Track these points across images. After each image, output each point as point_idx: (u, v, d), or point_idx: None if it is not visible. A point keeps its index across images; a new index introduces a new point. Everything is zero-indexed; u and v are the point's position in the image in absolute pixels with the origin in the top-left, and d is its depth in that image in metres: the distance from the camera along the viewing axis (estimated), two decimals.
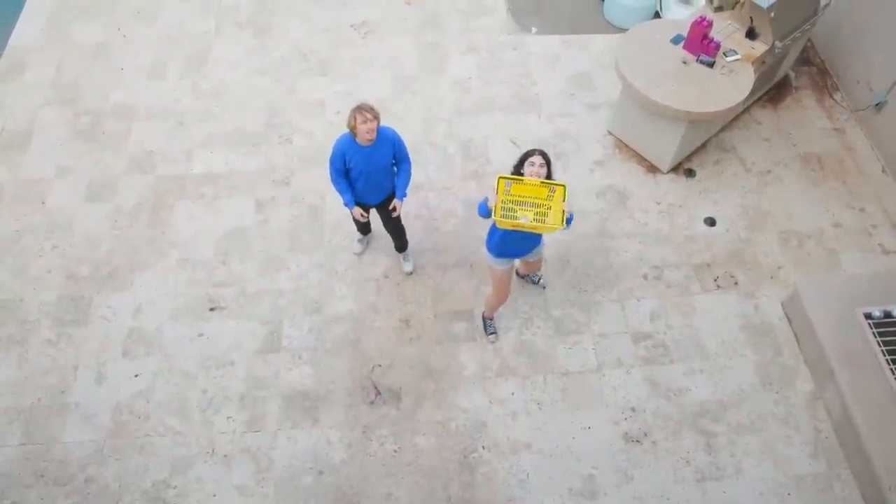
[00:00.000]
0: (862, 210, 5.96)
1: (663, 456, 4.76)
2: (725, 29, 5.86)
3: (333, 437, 4.79)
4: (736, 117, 6.47)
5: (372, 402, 4.93)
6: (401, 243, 5.39)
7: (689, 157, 6.24)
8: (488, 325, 5.20)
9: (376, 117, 4.30)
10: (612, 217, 5.87)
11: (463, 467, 4.70)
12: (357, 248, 5.58)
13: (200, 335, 5.19)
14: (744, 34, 5.85)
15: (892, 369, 4.68)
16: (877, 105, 6.22)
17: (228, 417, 4.85)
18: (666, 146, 5.92)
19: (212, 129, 6.34)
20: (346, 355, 5.12)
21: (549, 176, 4.14)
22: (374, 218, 5.19)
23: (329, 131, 6.33)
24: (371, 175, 4.62)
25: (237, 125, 6.38)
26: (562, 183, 4.02)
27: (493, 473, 4.67)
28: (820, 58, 7.04)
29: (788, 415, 4.94)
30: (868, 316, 4.91)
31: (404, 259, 5.51)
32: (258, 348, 5.14)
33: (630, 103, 5.93)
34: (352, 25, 7.21)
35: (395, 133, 4.60)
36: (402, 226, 5.23)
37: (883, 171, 6.20)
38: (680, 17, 6.90)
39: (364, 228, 5.42)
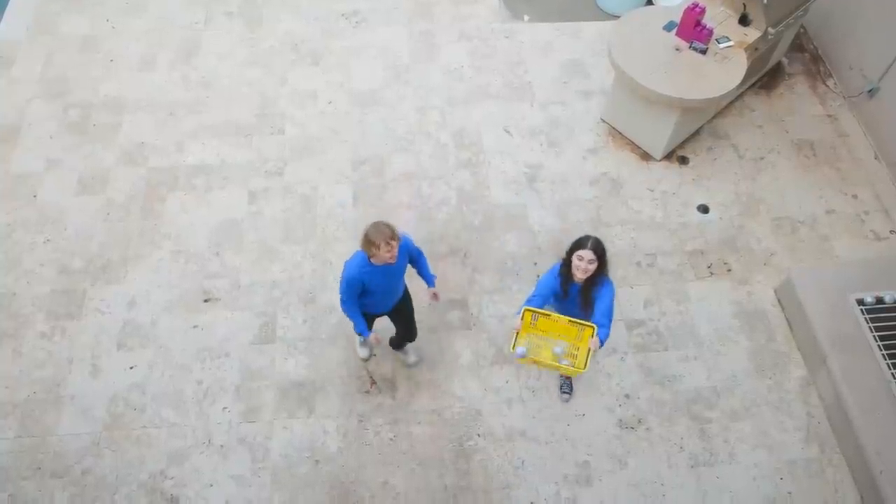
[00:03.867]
0: (855, 196, 5.98)
1: (657, 442, 4.79)
2: (718, 15, 5.85)
3: (329, 427, 4.80)
4: (729, 104, 6.47)
5: (367, 392, 4.94)
6: (410, 335, 4.86)
7: (682, 145, 6.24)
8: (564, 383, 4.95)
9: (398, 238, 3.87)
10: (605, 205, 5.88)
11: (458, 455, 4.72)
12: (364, 353, 5.05)
13: (195, 327, 5.19)
14: (736, 21, 5.83)
15: (884, 355, 4.71)
16: (869, 91, 6.23)
17: (224, 408, 4.86)
18: (659, 133, 5.92)
19: (203, 121, 6.30)
20: (340, 345, 5.12)
21: (601, 269, 3.80)
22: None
23: (321, 121, 6.31)
24: (389, 289, 4.23)
25: (228, 116, 6.34)
26: (591, 325, 3.82)
27: (488, 461, 4.69)
28: (813, 44, 7.03)
29: (781, 400, 4.97)
30: (860, 302, 4.94)
31: (405, 353, 5.01)
32: (253, 339, 5.14)
33: (623, 91, 5.92)
34: (343, 15, 7.17)
35: (406, 239, 4.11)
36: (413, 318, 4.77)
37: (876, 157, 6.21)
38: (672, 3, 6.85)
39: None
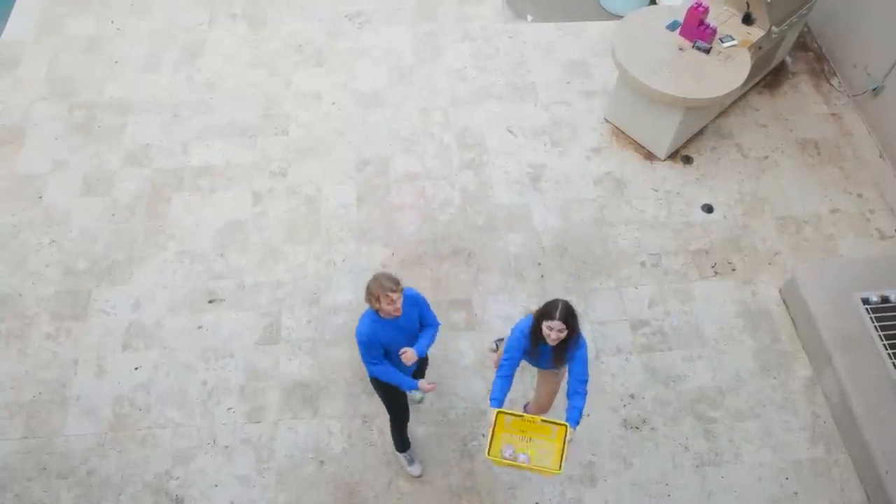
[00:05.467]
0: (859, 195, 5.96)
1: (662, 442, 4.79)
2: (721, 15, 5.84)
3: (334, 427, 4.81)
4: (733, 103, 6.46)
5: (372, 392, 4.94)
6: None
7: (686, 144, 6.23)
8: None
9: (400, 288, 3.66)
10: (609, 204, 5.87)
11: (463, 455, 4.72)
12: (416, 470, 4.65)
13: (200, 328, 5.20)
14: (740, 20, 5.82)
15: (889, 354, 4.70)
16: (874, 90, 6.21)
17: (229, 409, 4.87)
18: (663, 133, 5.92)
19: (208, 122, 6.32)
20: (345, 346, 5.13)
21: (570, 335, 3.67)
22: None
23: (325, 122, 6.32)
24: (406, 343, 3.92)
25: (233, 117, 6.36)
26: (564, 423, 3.74)
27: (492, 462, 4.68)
28: (817, 43, 7.02)
29: (786, 400, 4.96)
30: (865, 301, 4.93)
31: (410, 463, 4.66)
32: (257, 340, 5.15)
33: (626, 90, 5.92)
34: (346, 16, 7.18)
35: (414, 291, 3.90)
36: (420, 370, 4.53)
37: (880, 155, 6.19)
38: (676, 3, 6.85)
39: (405, 440, 4.57)
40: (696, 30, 5.62)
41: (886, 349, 4.71)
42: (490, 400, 3.81)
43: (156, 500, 4.52)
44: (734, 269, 5.55)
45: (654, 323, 5.28)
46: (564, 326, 3.61)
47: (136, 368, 5.01)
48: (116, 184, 5.91)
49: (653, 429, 4.84)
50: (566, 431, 3.73)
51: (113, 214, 5.74)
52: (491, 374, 5.01)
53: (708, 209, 5.87)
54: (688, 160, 6.17)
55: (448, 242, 5.65)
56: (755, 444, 4.78)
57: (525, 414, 3.89)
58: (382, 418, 4.83)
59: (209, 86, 6.58)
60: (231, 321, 5.23)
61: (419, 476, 4.65)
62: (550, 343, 3.69)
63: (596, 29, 7.10)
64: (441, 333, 5.15)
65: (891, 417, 4.52)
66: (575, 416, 3.77)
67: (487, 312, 5.29)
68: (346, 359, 5.08)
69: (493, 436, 3.76)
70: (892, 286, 4.99)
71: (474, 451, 4.72)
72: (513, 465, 3.81)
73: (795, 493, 4.60)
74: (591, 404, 4.90)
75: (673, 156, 6.18)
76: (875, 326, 4.81)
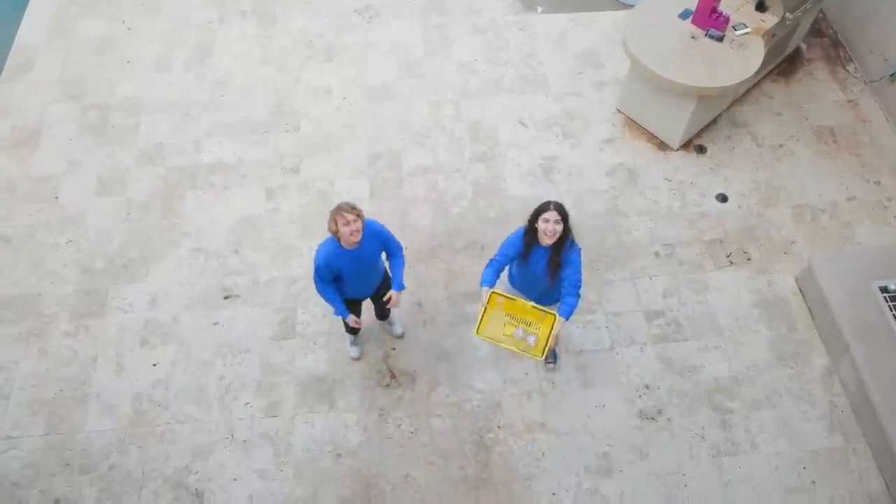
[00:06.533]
0: (877, 183, 5.90)
1: (678, 432, 4.78)
2: (734, 2, 5.78)
3: (350, 421, 4.84)
4: (747, 92, 6.40)
5: (387, 385, 4.97)
6: (384, 313, 4.98)
7: (699, 134, 6.19)
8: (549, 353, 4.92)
9: (359, 216, 3.84)
10: (622, 195, 5.85)
11: (479, 447, 4.74)
12: (354, 352, 5.05)
13: (216, 324, 5.24)
14: (753, 7, 5.76)
15: None
16: (891, 76, 6.13)
17: (246, 404, 4.91)
18: (676, 123, 5.88)
19: (219, 119, 6.35)
20: (359, 340, 5.15)
21: (566, 232, 3.85)
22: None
23: (336, 117, 6.34)
24: (361, 275, 4.21)
25: (244, 114, 6.39)
26: (553, 312, 3.89)
27: (508, 453, 4.70)
28: (832, 29, 6.93)
29: (803, 390, 4.93)
30: (884, 289, 4.88)
31: (390, 323, 5.12)
32: (273, 335, 5.19)
33: (639, 80, 5.88)
34: (355, 10, 7.17)
35: (378, 224, 4.14)
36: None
37: None
38: None
39: (354, 329, 4.84)
40: (709, 18, 5.56)
41: None
42: (481, 284, 3.95)
43: (176, 495, 4.58)
44: (749, 259, 5.51)
45: (669, 313, 5.26)
46: (560, 218, 3.78)
47: (154, 365, 5.07)
48: (130, 183, 5.96)
49: (669, 419, 4.83)
50: (555, 320, 3.85)
51: (128, 213, 5.79)
52: (506, 365, 5.03)
53: (722, 199, 5.83)
54: (701, 150, 6.12)
55: (461, 235, 5.65)
56: (772, 434, 4.76)
57: (518, 297, 3.97)
58: (399, 411, 4.86)
59: (220, 84, 6.61)
60: (246, 317, 5.27)
61: (356, 358, 5.03)
62: (546, 240, 3.85)
63: (607, 19, 7.05)
64: (456, 327, 5.19)
65: None
66: (566, 311, 3.89)
67: None
68: (361, 352, 5.10)
69: (483, 314, 3.89)
70: None
71: (490, 444, 4.74)
72: (499, 344, 3.94)
73: (813, 483, 4.58)
74: (606, 395, 4.91)
75: (686, 145, 6.14)
76: (893, 315, 4.77)
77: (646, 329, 5.19)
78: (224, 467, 4.68)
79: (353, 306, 4.48)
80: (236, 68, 6.72)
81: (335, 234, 3.88)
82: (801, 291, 5.33)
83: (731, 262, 5.50)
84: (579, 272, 3.95)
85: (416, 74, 6.66)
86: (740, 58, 5.49)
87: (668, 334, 5.16)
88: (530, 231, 3.92)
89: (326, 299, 4.20)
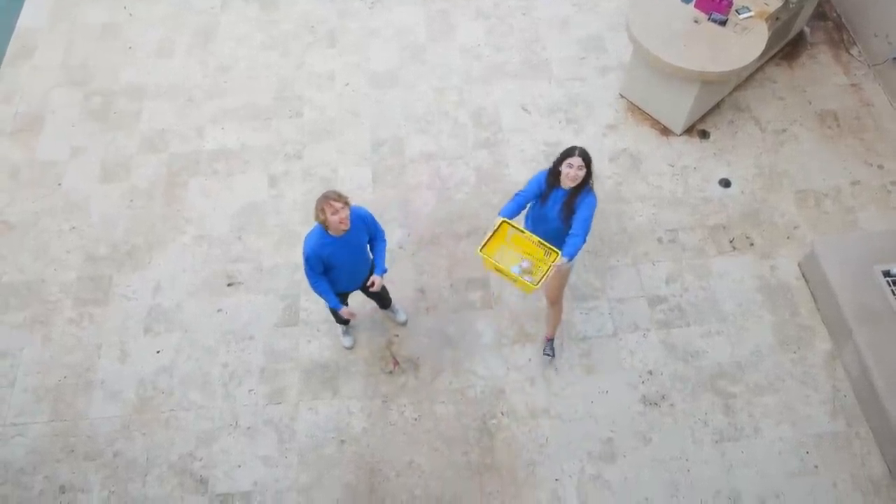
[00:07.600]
0: (881, 167, 5.87)
1: (681, 418, 4.79)
2: None
3: (354, 408, 4.86)
4: (750, 76, 6.36)
5: (391, 372, 4.99)
6: (384, 303, 5.03)
7: (702, 119, 6.16)
8: (546, 346, 4.99)
9: (346, 203, 3.86)
10: (625, 181, 5.83)
11: (482, 433, 4.76)
12: (347, 342, 5.07)
13: (219, 311, 5.25)
14: None
15: None
16: (895, 59, 6.08)
17: (250, 390, 4.93)
18: (679, 108, 5.85)
19: (222, 105, 6.33)
20: (363, 327, 5.16)
21: (588, 177, 4.01)
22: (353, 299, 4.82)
23: (339, 103, 6.31)
24: (351, 261, 4.23)
25: (247, 100, 6.36)
26: (557, 250, 4.00)
27: (512, 439, 4.73)
28: (836, 12, 6.88)
29: (806, 375, 4.94)
30: (887, 273, 4.87)
31: (394, 311, 5.14)
32: (276, 322, 5.20)
33: (642, 65, 5.84)
34: None
35: (363, 209, 4.18)
36: (384, 290, 4.86)
37: None
38: None
39: (346, 320, 4.85)
40: (712, 2, 5.52)
41: None
42: (500, 212, 4.11)
43: (181, 481, 4.61)
44: (752, 244, 5.51)
45: (672, 299, 5.26)
46: (584, 164, 3.95)
47: (157, 352, 5.08)
48: (134, 169, 5.95)
49: (672, 405, 4.84)
50: (556, 257, 3.98)
51: (131, 200, 5.79)
52: (509, 351, 5.04)
53: (725, 184, 5.81)
54: (704, 135, 6.10)
55: (464, 222, 5.64)
56: (775, 419, 4.78)
57: (525, 231, 4.11)
58: (402, 398, 4.88)
59: (223, 69, 6.58)
60: (250, 304, 5.28)
61: (349, 348, 5.06)
62: (568, 183, 4.01)
63: (611, 3, 7.00)
64: (459, 313, 5.19)
65: None
66: (570, 250, 4.01)
67: (504, 291, 5.30)
68: (365, 339, 5.12)
69: (491, 237, 4.06)
70: None
71: (494, 430, 4.76)
72: (497, 269, 4.06)
73: (816, 467, 4.60)
74: (609, 381, 4.93)
75: (689, 130, 6.11)
76: None
77: (649, 315, 5.19)
78: (228, 454, 4.70)
79: (344, 300, 4.52)
80: (239, 53, 6.69)
81: (323, 223, 3.91)
82: (804, 276, 5.33)
83: (735, 248, 5.49)
84: (591, 215, 4.07)
85: (419, 60, 6.63)
86: (743, 42, 5.46)
87: (672, 320, 5.17)
88: (553, 173, 4.07)
89: (319, 292, 4.19)
